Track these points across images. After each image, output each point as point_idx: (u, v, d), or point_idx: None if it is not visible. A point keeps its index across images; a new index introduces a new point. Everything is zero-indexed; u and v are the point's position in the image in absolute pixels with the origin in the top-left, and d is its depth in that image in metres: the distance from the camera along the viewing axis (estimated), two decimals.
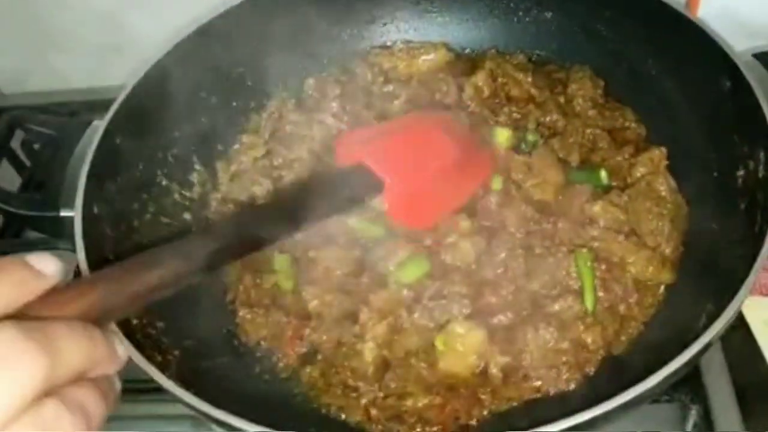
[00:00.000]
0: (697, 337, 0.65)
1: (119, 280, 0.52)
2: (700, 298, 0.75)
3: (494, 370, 0.78)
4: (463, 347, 0.78)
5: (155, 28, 1.11)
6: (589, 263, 0.82)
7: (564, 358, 0.77)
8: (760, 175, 0.77)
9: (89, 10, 1.21)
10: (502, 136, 0.93)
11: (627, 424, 0.81)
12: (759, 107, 0.78)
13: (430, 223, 0.83)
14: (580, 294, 0.81)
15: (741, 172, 0.81)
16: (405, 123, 0.87)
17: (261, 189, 0.95)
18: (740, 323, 0.93)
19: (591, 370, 0.78)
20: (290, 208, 0.70)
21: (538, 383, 0.77)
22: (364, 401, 0.78)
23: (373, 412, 0.77)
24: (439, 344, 0.79)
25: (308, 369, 0.82)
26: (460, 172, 0.82)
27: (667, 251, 0.85)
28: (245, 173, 0.97)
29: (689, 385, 0.84)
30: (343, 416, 0.78)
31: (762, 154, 0.77)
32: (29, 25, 1.25)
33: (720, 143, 0.85)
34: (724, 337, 0.89)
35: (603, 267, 0.82)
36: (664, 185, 0.88)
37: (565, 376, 0.77)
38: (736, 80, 0.82)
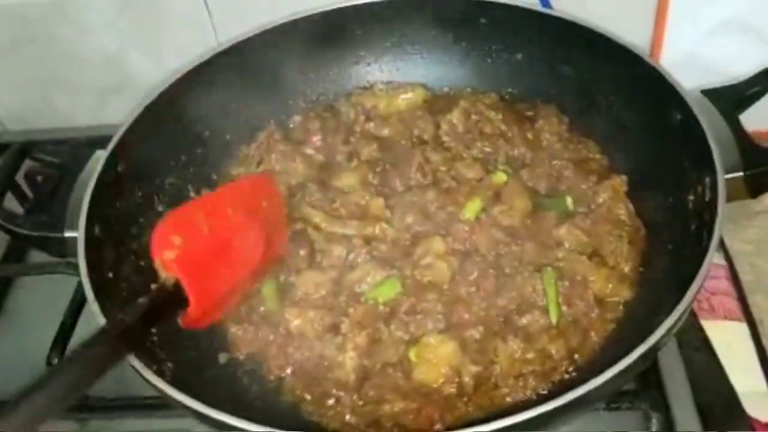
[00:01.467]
0: None
1: None
2: (657, 311, 0.80)
3: (466, 379, 0.83)
4: (436, 358, 0.84)
5: (155, 70, 1.19)
6: (553, 280, 0.88)
7: (530, 368, 0.83)
8: (707, 198, 0.84)
9: (92, 52, 1.28)
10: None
11: (592, 429, 0.87)
12: (705, 137, 0.86)
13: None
14: (545, 309, 0.88)
15: (691, 197, 0.88)
16: (224, 215, 0.81)
17: None
18: (704, 346, 0.99)
19: (559, 378, 0.84)
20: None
21: (507, 391, 0.83)
22: (344, 410, 0.83)
23: (353, 419, 0.82)
24: (412, 356, 0.85)
25: (292, 382, 0.88)
26: (259, 265, 0.84)
27: (626, 270, 0.91)
28: None
29: (650, 396, 0.89)
30: (325, 423, 0.83)
31: (708, 179, 0.84)
32: (34, 65, 1.32)
33: (673, 171, 0.92)
34: (689, 359, 0.95)
35: (566, 284, 0.89)
36: (624, 210, 0.96)
37: (531, 385, 0.83)
38: (686, 114, 0.90)
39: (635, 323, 0.86)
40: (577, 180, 1.01)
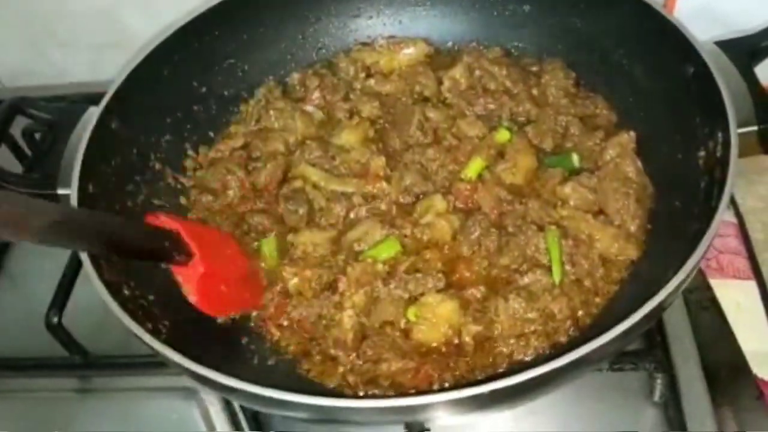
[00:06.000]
0: None
1: None
2: (663, 271, 0.78)
3: (467, 339, 0.82)
4: (435, 317, 0.83)
5: (151, 25, 1.16)
6: (557, 239, 0.86)
7: (532, 327, 0.82)
8: (718, 154, 0.81)
9: (88, 8, 1.26)
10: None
11: (596, 391, 0.86)
12: (718, 90, 0.82)
13: (222, 312, 0.87)
14: (548, 268, 0.86)
15: (702, 153, 0.85)
16: (212, 230, 0.94)
17: (234, 179, 0.99)
18: (712, 305, 0.98)
19: (561, 339, 0.83)
20: (120, 233, 0.72)
21: (508, 351, 0.81)
22: (341, 368, 0.82)
23: (350, 378, 0.81)
24: (410, 315, 0.84)
25: (290, 340, 0.87)
26: (243, 285, 0.89)
27: (632, 228, 0.89)
28: (221, 162, 1.01)
29: (655, 356, 0.88)
30: (322, 381, 0.82)
31: (720, 135, 0.81)
32: (31, 21, 1.30)
33: (684, 126, 0.89)
34: (696, 318, 0.94)
35: (571, 243, 0.87)
36: (632, 167, 0.93)
37: (533, 345, 0.81)
38: (699, 66, 0.86)
39: (640, 283, 0.84)
40: (584, 136, 0.98)
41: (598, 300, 0.85)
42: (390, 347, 0.82)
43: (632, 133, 0.96)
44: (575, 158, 0.97)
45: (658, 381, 0.86)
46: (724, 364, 0.91)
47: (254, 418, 0.92)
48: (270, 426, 0.92)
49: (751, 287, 0.99)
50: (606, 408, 0.87)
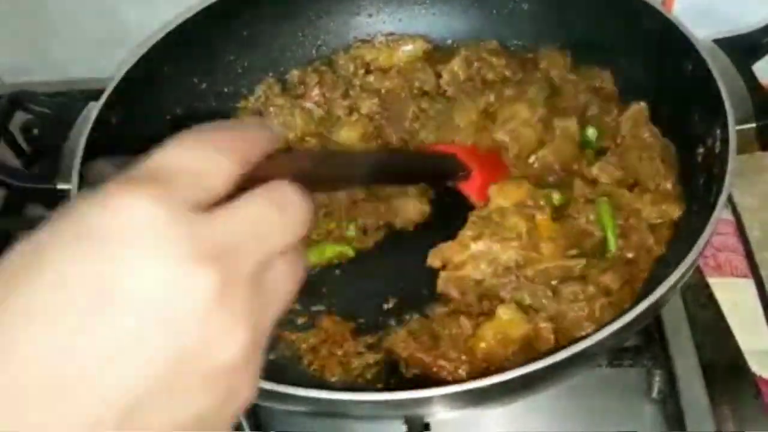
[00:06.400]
0: None
1: (319, 159, 0.58)
2: (665, 264, 0.80)
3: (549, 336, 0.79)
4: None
5: (151, 21, 1.16)
6: (609, 209, 0.86)
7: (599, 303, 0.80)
8: (717, 150, 0.82)
9: (89, 4, 1.26)
10: None
11: (594, 387, 0.86)
12: (716, 87, 0.83)
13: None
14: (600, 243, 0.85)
15: (701, 150, 0.85)
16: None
17: None
18: (710, 302, 0.98)
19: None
20: (405, 164, 0.84)
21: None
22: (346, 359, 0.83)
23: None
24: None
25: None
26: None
27: (669, 187, 0.89)
28: None
29: (653, 353, 0.88)
30: (323, 376, 0.83)
31: (718, 131, 0.82)
32: (30, 16, 1.29)
33: (683, 123, 0.89)
34: (694, 316, 0.94)
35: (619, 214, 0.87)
36: (648, 133, 0.93)
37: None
38: (697, 63, 0.87)
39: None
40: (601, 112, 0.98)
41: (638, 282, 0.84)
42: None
43: (642, 104, 0.95)
44: (591, 132, 0.96)
45: (656, 377, 0.86)
46: (722, 363, 0.91)
47: (254, 417, 0.92)
48: (270, 426, 0.91)
49: (749, 285, 0.99)
50: (603, 405, 0.87)
